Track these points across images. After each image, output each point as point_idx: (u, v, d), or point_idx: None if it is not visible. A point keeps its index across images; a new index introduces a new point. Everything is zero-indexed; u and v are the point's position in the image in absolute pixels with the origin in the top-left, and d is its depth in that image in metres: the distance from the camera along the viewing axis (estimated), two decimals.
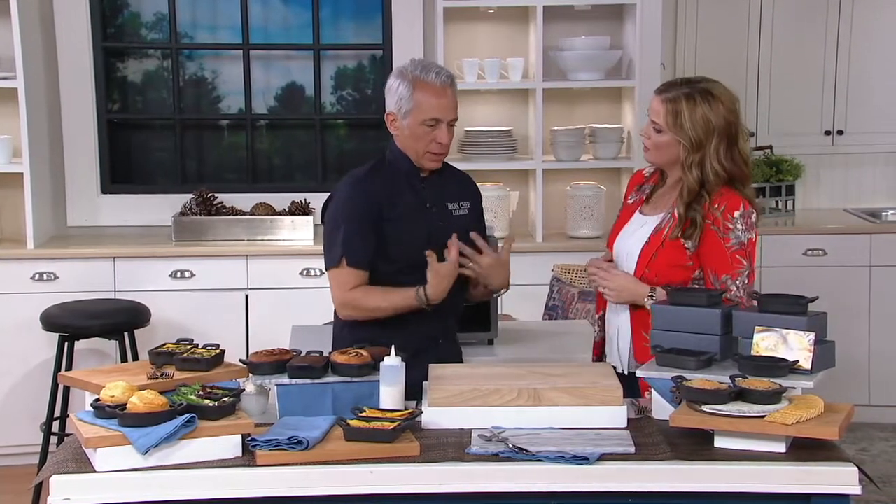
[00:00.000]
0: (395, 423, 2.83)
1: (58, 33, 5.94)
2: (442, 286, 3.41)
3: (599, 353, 3.61)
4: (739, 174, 3.35)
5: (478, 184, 5.73)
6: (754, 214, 3.35)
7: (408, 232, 3.46)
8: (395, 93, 3.44)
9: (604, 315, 3.56)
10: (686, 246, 3.34)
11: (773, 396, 2.82)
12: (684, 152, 3.33)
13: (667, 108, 3.33)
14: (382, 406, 2.99)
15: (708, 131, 3.31)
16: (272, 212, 5.93)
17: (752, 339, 3.02)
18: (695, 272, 3.37)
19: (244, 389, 3.02)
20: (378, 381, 3.02)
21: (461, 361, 3.63)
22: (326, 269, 3.51)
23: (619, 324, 3.47)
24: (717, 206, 3.32)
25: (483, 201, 5.69)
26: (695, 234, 3.32)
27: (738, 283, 3.32)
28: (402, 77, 3.45)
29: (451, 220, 3.55)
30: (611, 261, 3.50)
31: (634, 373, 3.37)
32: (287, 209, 5.97)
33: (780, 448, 2.80)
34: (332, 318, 3.66)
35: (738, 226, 3.31)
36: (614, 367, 3.36)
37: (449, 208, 3.56)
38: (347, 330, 3.51)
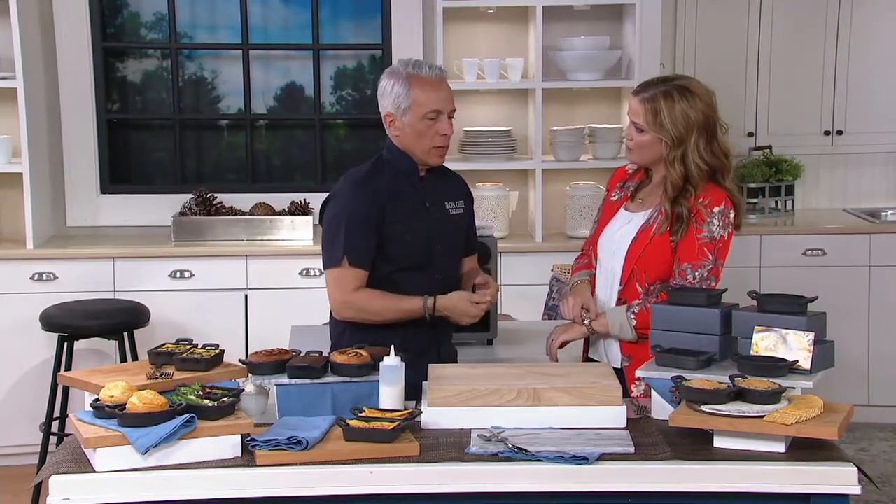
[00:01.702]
0: (395, 424, 2.83)
1: (57, 33, 5.94)
2: (448, 310, 3.44)
3: (586, 351, 3.66)
4: (720, 166, 3.41)
5: (478, 184, 5.85)
6: (733, 213, 3.41)
7: (409, 232, 3.46)
8: (391, 93, 3.43)
9: None
10: (672, 240, 3.39)
11: (773, 396, 2.82)
12: (666, 149, 3.38)
13: (646, 107, 3.38)
14: (382, 406, 2.99)
15: (688, 127, 3.36)
16: (271, 212, 5.93)
17: (751, 338, 3.02)
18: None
19: (244, 389, 3.02)
20: (377, 381, 3.02)
21: (456, 361, 3.64)
22: (325, 269, 3.48)
23: None
24: (701, 199, 3.38)
25: (483, 201, 5.81)
26: (681, 229, 3.37)
27: (696, 273, 3.37)
28: (395, 77, 3.44)
29: (449, 219, 3.56)
30: (591, 280, 3.58)
31: (621, 367, 3.43)
32: (286, 209, 5.97)
33: (780, 448, 2.80)
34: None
35: (715, 221, 3.37)
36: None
37: (447, 207, 3.56)
38: (349, 333, 3.48)
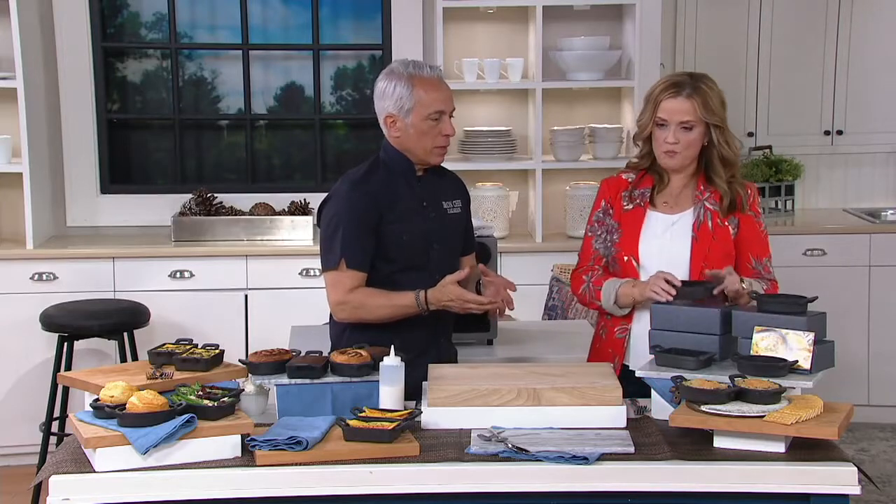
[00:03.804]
0: (395, 424, 2.83)
1: (57, 33, 5.94)
2: (443, 302, 3.39)
3: (600, 358, 3.54)
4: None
5: (478, 184, 5.85)
6: None
7: (407, 232, 3.45)
8: (393, 94, 3.42)
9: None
10: (731, 232, 3.45)
11: (773, 396, 2.82)
12: (716, 132, 3.43)
13: (693, 103, 3.40)
14: (382, 406, 2.99)
15: (723, 108, 3.47)
16: (271, 212, 5.93)
17: (751, 338, 3.02)
18: (734, 259, 3.48)
19: (244, 389, 3.03)
20: (377, 381, 3.02)
21: (456, 361, 3.63)
22: (323, 271, 3.47)
23: None
24: (748, 191, 3.50)
25: (483, 201, 5.81)
26: (735, 209, 3.46)
27: (771, 263, 3.52)
28: (396, 77, 3.43)
29: (447, 218, 3.55)
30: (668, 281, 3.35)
31: None
32: (286, 209, 5.97)
33: (780, 448, 2.80)
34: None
35: (762, 211, 3.55)
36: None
37: (444, 207, 3.56)
38: (349, 332, 3.48)
